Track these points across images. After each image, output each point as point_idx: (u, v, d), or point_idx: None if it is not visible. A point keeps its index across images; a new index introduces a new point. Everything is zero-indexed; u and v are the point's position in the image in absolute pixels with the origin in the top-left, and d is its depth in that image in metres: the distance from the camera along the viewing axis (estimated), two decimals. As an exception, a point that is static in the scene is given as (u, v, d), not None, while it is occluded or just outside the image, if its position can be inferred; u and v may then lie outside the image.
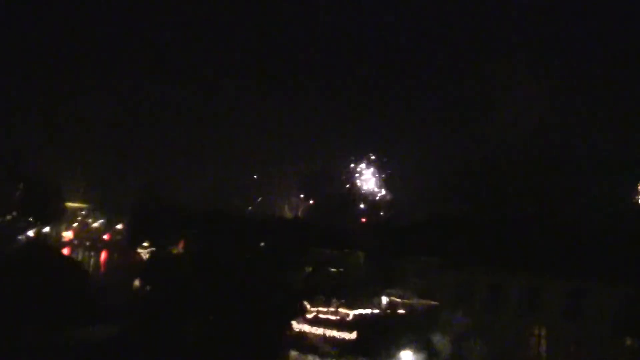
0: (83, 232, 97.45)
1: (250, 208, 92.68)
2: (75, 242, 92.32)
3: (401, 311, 57.61)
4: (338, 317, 56.30)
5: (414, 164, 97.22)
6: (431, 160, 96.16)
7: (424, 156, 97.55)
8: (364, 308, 57.23)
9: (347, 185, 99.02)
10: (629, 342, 45.84)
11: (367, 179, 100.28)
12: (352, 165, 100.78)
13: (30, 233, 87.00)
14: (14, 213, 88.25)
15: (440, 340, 49.99)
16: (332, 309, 57.11)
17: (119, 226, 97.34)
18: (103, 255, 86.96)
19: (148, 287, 69.09)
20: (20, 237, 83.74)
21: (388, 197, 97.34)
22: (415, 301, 58.26)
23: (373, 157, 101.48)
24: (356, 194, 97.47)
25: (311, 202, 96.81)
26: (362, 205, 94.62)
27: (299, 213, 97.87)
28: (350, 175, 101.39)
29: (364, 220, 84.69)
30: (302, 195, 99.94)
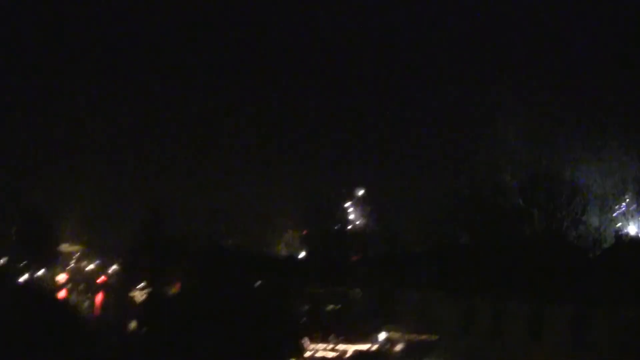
0: (77, 275, 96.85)
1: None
2: (70, 285, 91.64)
3: (400, 346, 57.09)
4: (336, 354, 55.87)
5: (408, 195, 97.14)
6: (427, 189, 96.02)
7: (418, 186, 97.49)
8: (363, 344, 56.81)
9: (343, 221, 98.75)
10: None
11: (362, 213, 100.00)
12: (346, 200, 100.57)
13: (25, 277, 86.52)
14: (7, 257, 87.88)
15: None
16: (330, 346, 56.68)
17: (114, 268, 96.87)
18: (98, 298, 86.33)
19: (144, 329, 68.63)
20: (15, 280, 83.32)
21: (383, 230, 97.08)
22: (414, 336, 57.74)
23: (363, 192, 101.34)
24: (352, 229, 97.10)
25: (306, 238, 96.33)
26: (357, 240, 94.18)
27: (295, 250, 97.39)
28: (345, 210, 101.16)
29: (359, 255, 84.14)
30: (301, 231, 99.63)
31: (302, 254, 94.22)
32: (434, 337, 55.56)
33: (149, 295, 78.45)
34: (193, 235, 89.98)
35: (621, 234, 67.89)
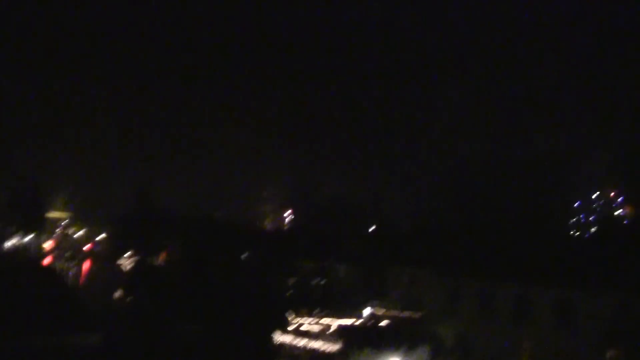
0: (64, 242, 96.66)
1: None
2: (56, 252, 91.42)
3: (385, 322, 57.29)
4: (321, 328, 55.96)
5: (402, 173, 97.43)
6: (420, 168, 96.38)
7: (412, 165, 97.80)
8: (347, 319, 56.94)
9: (332, 195, 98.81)
10: (618, 352, 45.78)
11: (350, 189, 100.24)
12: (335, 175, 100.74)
13: (11, 242, 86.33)
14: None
15: (423, 352, 49.75)
16: (314, 320, 56.79)
17: (101, 236, 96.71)
18: (84, 266, 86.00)
19: (130, 298, 68.58)
20: (1, 245, 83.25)
21: (372, 207, 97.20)
22: (399, 312, 57.97)
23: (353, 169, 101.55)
24: (341, 205, 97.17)
25: (292, 213, 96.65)
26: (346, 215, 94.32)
27: (284, 223, 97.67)
28: (337, 185, 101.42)
29: (347, 231, 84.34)
30: (290, 205, 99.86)
31: (290, 228, 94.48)
32: (418, 314, 55.88)
33: (136, 264, 78.42)
34: (181, 205, 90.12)
35: (607, 220, 68.41)
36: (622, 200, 77.57)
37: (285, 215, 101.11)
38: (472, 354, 51.02)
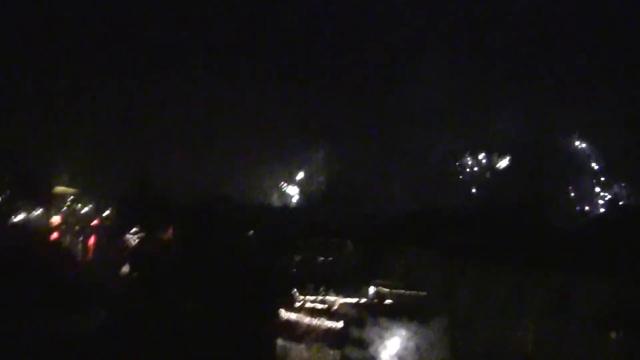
0: (71, 217, 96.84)
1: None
2: (63, 227, 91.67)
3: (389, 301, 57.61)
4: (325, 306, 56.37)
5: (407, 154, 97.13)
6: (423, 151, 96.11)
7: (416, 147, 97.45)
8: (352, 297, 57.29)
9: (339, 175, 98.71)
10: (617, 335, 46.12)
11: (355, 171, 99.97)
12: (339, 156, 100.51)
13: (20, 217, 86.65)
14: (7, 193, 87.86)
15: (426, 331, 50.16)
16: (319, 298, 57.14)
17: (108, 212, 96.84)
18: (91, 241, 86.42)
19: (136, 274, 69.09)
20: (10, 219, 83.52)
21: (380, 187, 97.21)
22: (403, 291, 58.22)
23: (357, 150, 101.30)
24: (348, 184, 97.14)
25: (300, 189, 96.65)
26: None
27: (289, 200, 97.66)
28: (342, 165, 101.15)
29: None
30: (296, 182, 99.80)
31: (296, 205, 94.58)
32: (422, 294, 56.13)
33: (141, 240, 78.72)
34: (187, 182, 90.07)
35: (606, 206, 68.61)
36: (621, 187, 77.76)
37: (291, 192, 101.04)
38: (472, 333, 51.37)
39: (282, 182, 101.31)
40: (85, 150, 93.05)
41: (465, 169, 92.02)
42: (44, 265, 58.70)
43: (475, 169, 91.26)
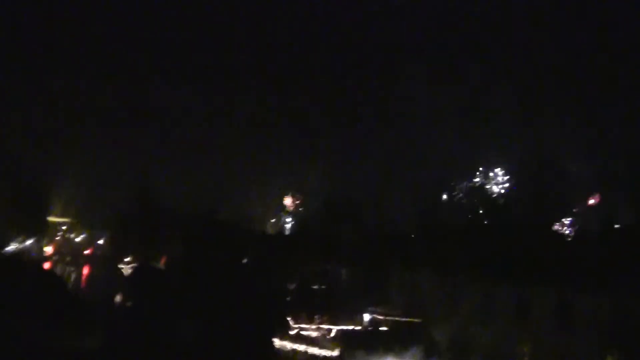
0: (64, 247, 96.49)
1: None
2: (56, 257, 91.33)
3: (383, 328, 57.42)
4: (320, 334, 56.10)
5: (398, 175, 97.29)
6: (417, 170, 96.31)
7: (408, 166, 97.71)
8: (347, 325, 57.08)
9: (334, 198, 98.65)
10: (618, 354, 46.05)
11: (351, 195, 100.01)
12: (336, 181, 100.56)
13: (13, 246, 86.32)
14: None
15: (421, 356, 49.97)
16: (314, 326, 56.90)
17: (101, 241, 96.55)
18: (85, 270, 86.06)
19: (130, 302, 68.65)
20: (2, 249, 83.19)
21: (373, 211, 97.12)
22: (398, 318, 58.06)
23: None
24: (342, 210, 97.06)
25: (296, 216, 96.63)
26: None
27: (284, 227, 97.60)
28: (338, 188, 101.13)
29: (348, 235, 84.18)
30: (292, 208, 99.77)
31: (291, 232, 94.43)
32: (417, 320, 56.00)
33: (135, 268, 78.45)
34: (182, 207, 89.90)
35: (606, 224, 68.60)
36: (620, 204, 77.93)
37: (286, 218, 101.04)
38: (471, 354, 51.18)
39: (276, 209, 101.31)
40: (78, 180, 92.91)
41: (462, 189, 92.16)
42: (37, 294, 58.20)
43: (472, 188, 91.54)
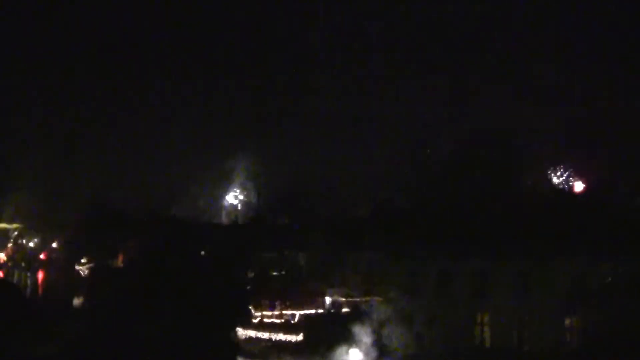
0: (18, 253, 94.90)
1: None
2: (9, 263, 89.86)
3: (345, 310, 57.74)
4: (283, 320, 56.26)
5: (356, 157, 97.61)
6: (374, 152, 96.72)
7: (367, 149, 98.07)
8: (309, 309, 57.27)
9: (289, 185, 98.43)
10: (575, 320, 47.04)
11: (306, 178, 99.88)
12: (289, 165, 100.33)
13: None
14: None
15: (385, 334, 50.41)
16: (276, 312, 56.99)
17: (55, 244, 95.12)
18: (40, 275, 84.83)
19: (89, 304, 68.01)
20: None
21: (329, 194, 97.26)
22: (359, 299, 58.39)
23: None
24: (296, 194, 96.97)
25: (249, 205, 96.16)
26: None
27: (239, 217, 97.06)
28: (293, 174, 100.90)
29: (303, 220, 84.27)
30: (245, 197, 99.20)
31: (246, 220, 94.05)
32: (378, 299, 56.35)
33: (92, 270, 77.69)
34: (134, 207, 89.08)
35: (561, 192, 69.76)
36: (576, 173, 79.19)
37: (240, 208, 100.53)
38: (434, 330, 51.74)
39: (228, 197, 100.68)
40: (26, 184, 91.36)
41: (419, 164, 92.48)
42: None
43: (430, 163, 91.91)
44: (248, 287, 65.04)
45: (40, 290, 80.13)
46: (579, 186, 77.52)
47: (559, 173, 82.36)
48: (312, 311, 57.07)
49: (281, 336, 54.59)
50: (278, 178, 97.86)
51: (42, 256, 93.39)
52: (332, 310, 57.82)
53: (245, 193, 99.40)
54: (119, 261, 78.19)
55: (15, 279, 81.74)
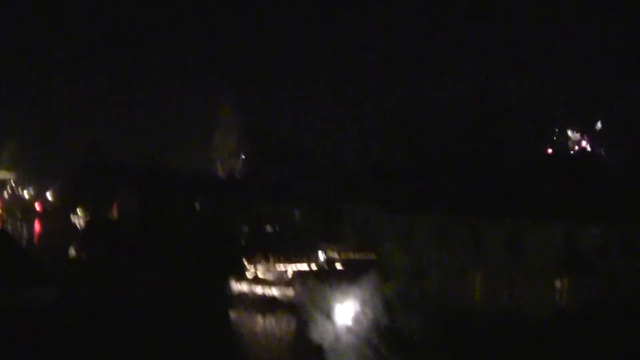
0: (14, 203, 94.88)
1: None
2: (6, 213, 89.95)
3: (339, 265, 57.93)
4: (277, 275, 56.38)
5: (351, 110, 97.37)
6: (370, 107, 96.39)
7: (362, 103, 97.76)
8: (302, 264, 57.42)
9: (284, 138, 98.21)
10: (566, 279, 47.31)
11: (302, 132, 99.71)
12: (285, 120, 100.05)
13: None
14: None
15: (378, 292, 50.55)
16: (270, 267, 57.08)
17: (49, 195, 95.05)
18: (36, 225, 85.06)
19: (84, 254, 68.31)
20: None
21: (324, 148, 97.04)
22: (353, 254, 58.54)
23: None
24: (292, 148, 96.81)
25: (244, 157, 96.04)
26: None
27: (235, 170, 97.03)
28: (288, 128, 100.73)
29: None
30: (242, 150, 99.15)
31: (242, 174, 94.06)
32: (372, 255, 56.46)
33: (89, 221, 77.85)
34: (132, 156, 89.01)
35: (554, 152, 69.76)
36: (569, 133, 79.26)
37: (237, 161, 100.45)
38: (425, 280, 51.94)
39: (229, 151, 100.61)
40: (21, 134, 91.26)
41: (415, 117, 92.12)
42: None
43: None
44: (242, 242, 65.33)
45: (35, 240, 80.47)
46: (575, 145, 77.82)
47: (557, 131, 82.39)
48: (306, 267, 57.22)
49: (274, 291, 54.78)
50: (276, 132, 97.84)
51: (37, 206, 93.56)
52: (325, 266, 57.96)
53: (242, 147, 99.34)
54: (114, 212, 78.35)
55: (11, 227, 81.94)
